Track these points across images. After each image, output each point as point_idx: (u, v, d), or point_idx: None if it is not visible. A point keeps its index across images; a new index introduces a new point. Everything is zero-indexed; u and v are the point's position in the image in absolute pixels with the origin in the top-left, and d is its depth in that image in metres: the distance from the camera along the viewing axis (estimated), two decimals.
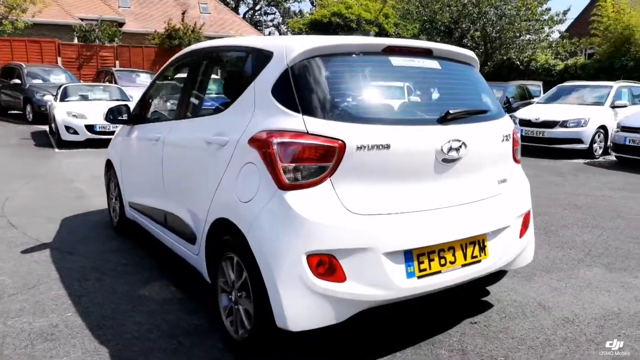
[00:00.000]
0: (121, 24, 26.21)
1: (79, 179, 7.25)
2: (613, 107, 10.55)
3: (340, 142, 2.13)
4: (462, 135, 2.43)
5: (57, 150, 10.09)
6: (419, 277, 2.31)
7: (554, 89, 12.36)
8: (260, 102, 2.39)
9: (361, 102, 2.36)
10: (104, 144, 11.13)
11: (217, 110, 2.89)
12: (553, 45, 24.24)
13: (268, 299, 2.16)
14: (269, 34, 35.33)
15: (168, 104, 4.10)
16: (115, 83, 15.65)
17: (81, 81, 17.08)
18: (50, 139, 11.46)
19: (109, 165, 4.69)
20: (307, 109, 2.21)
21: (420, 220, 2.32)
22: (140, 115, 4.02)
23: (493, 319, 2.94)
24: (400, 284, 2.25)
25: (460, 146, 2.40)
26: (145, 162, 3.66)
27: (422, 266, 2.32)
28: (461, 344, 2.63)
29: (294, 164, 2.13)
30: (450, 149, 2.37)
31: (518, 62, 23.20)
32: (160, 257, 3.94)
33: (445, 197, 2.43)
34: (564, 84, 12.68)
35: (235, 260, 2.43)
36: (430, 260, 2.35)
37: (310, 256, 2.10)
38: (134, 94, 12.58)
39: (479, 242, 2.53)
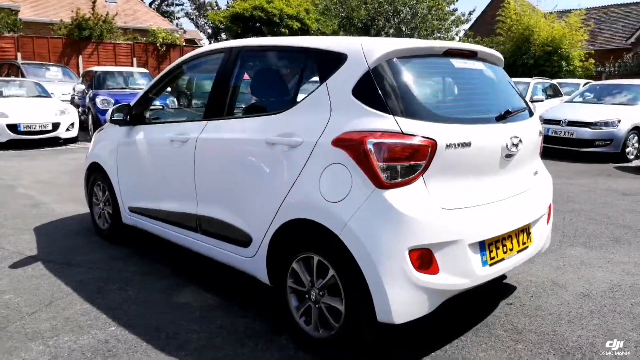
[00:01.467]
0: (15, 12, 23.84)
1: (21, 184, 6.64)
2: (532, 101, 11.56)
3: (432, 141, 2.25)
4: (518, 132, 2.65)
5: None
6: (490, 265, 2.50)
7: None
8: (339, 102, 2.43)
9: (442, 103, 2.50)
10: (29, 145, 10.31)
11: (271, 110, 2.85)
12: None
13: (366, 295, 2.23)
14: (178, 26, 33.99)
15: (187, 102, 3.93)
16: (22, 77, 14.30)
17: None
18: None
19: (92, 169, 4.39)
20: (397, 110, 2.29)
21: (490, 212, 2.51)
22: (142, 115, 3.82)
23: (523, 299, 3.22)
24: (478, 272, 2.43)
25: (519, 142, 2.62)
26: (162, 164, 3.50)
27: (492, 255, 2.51)
28: (511, 324, 2.87)
29: (390, 163, 2.21)
30: (512, 145, 2.58)
31: None
32: (172, 263, 3.80)
33: (504, 189, 2.64)
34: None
35: (315, 260, 2.46)
36: (497, 248, 2.55)
37: (411, 251, 2.20)
38: (49, 90, 11.66)
39: (526, 230, 2.78)
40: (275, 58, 3.11)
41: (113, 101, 11.11)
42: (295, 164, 2.51)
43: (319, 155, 2.41)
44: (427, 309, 2.30)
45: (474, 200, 2.45)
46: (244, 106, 3.21)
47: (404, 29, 25.85)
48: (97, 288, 3.34)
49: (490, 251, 2.51)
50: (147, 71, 13.51)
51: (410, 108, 2.32)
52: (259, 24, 23.22)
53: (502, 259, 2.58)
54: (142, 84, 12.76)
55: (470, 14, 26.64)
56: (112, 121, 3.90)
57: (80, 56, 20.16)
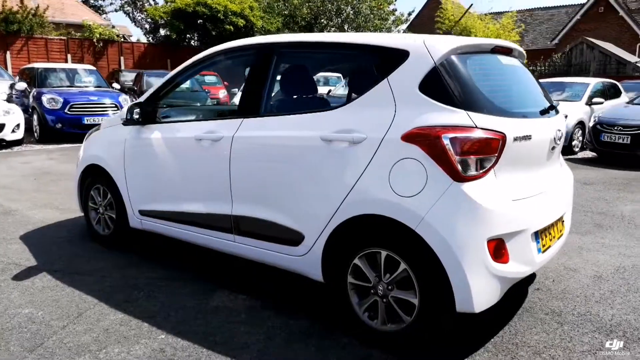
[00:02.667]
0: None
1: None
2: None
3: (502, 135, 2.34)
4: (558, 125, 2.81)
5: None
6: (542, 252, 2.63)
7: None
8: (404, 98, 2.45)
9: (503, 97, 2.58)
10: None
11: (322, 107, 2.82)
12: None
13: (445, 286, 2.28)
14: (106, 20, 32.24)
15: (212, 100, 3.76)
16: None
17: None
18: None
19: (88, 172, 4.13)
20: (467, 105, 2.36)
21: (542, 202, 2.64)
22: (153, 114, 3.65)
23: (547, 284, 3.41)
24: (536, 259, 2.55)
25: (562, 135, 2.77)
26: (185, 164, 3.36)
27: (543, 242, 2.65)
28: (548, 307, 3.04)
29: (466, 157, 2.27)
30: (558, 138, 2.73)
31: None
32: (189, 267, 3.67)
33: (548, 180, 2.79)
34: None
35: (383, 255, 2.47)
36: (545, 236, 2.69)
37: (489, 241, 2.28)
38: None
39: (562, 218, 2.95)
40: (322, 55, 3.07)
41: (62, 100, 10.48)
42: (359, 160, 2.51)
43: (386, 151, 2.43)
44: (498, 297, 2.39)
45: (531, 191, 2.57)
46: (286, 104, 3.15)
47: (346, 28, 26.22)
48: (123, 297, 3.16)
49: (542, 239, 2.64)
50: (93, 68, 12.78)
51: (478, 103, 2.40)
52: (201, 20, 22.67)
53: (550, 247, 2.73)
54: (89, 81, 12.11)
55: (409, 14, 27.49)
56: (129, 121, 3.67)
57: (8, 52, 18.73)
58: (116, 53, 21.45)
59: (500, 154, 2.35)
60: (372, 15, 25.62)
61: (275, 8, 26.74)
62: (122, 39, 23.05)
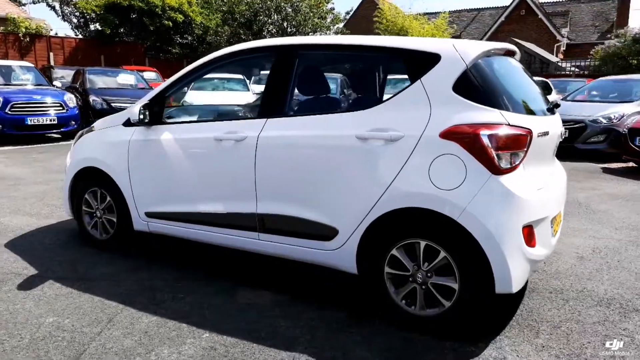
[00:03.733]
0: None
1: None
2: None
3: (529, 130, 2.59)
4: (560, 122, 3.12)
5: None
6: (553, 236, 2.93)
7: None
8: (438, 98, 2.64)
9: (523, 96, 2.83)
10: None
11: (352, 107, 2.94)
12: None
13: (485, 270, 2.50)
14: (23, 10, 30.13)
15: (228, 101, 3.72)
16: None
17: None
18: None
19: (80, 176, 3.99)
20: (498, 104, 2.59)
21: (553, 191, 2.93)
22: (159, 115, 3.60)
23: (562, 266, 3.74)
24: (552, 243, 2.84)
25: (565, 132, 3.09)
26: (202, 164, 3.36)
27: (554, 229, 2.95)
28: (550, 287, 3.37)
29: (501, 152, 2.50)
30: (563, 134, 3.03)
31: None
32: (200, 267, 3.68)
33: (553, 171, 3.10)
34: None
35: (422, 245, 2.65)
36: (554, 223, 2.99)
37: (524, 228, 2.52)
38: None
39: (561, 212, 3.27)
40: (349, 57, 3.18)
41: (1, 99, 9.79)
42: (397, 157, 2.67)
43: (425, 148, 2.61)
44: (527, 278, 2.65)
45: (545, 181, 2.85)
46: (313, 104, 3.23)
47: (286, 26, 26.26)
48: (146, 300, 3.13)
49: (552, 226, 2.94)
50: (31, 65, 12.02)
51: (506, 102, 2.63)
52: (136, 14, 21.86)
53: (557, 231, 3.03)
54: (27, 79, 11.39)
55: (347, 13, 27.99)
56: (131, 122, 3.59)
57: None
58: (44, 49, 20.19)
59: (528, 149, 2.60)
60: (311, 14, 25.83)
61: (213, 4, 26.30)
62: (53, 34, 21.71)
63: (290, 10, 25.83)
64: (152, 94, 3.65)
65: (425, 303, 2.72)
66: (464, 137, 2.53)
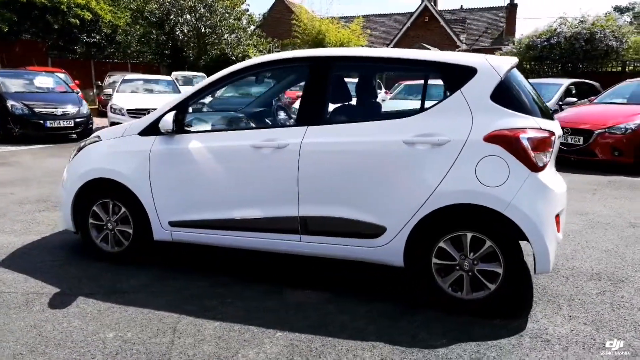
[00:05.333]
0: None
1: None
2: None
3: (554, 133, 3.04)
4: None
5: None
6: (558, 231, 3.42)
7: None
8: (478, 106, 3.00)
9: (540, 104, 3.27)
10: None
11: (393, 115, 3.20)
12: (256, 43, 26.98)
13: (524, 256, 2.90)
14: None
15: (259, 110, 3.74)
16: None
17: None
18: None
19: (87, 189, 3.85)
20: (529, 110, 3.02)
21: (564, 187, 3.41)
22: (182, 124, 3.61)
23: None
24: (560, 233, 3.33)
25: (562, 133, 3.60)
26: (238, 171, 3.44)
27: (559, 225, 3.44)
28: (562, 266, 3.86)
29: (537, 152, 2.92)
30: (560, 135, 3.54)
31: (234, 58, 25.11)
32: (228, 271, 3.75)
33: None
34: None
35: (468, 236, 3.00)
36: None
37: (555, 216, 2.97)
38: None
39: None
40: (390, 69, 3.42)
41: None
42: (444, 159, 2.99)
43: (471, 150, 2.96)
44: None
45: (558, 178, 3.33)
46: (354, 112, 3.43)
47: (200, 27, 25.73)
48: (197, 307, 3.16)
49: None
50: None
51: (533, 108, 3.07)
52: (37, 11, 20.21)
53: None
54: None
55: (262, 16, 28.08)
56: (148, 131, 3.55)
57: None
58: None
59: (552, 149, 3.05)
60: (227, 14, 25.57)
61: (121, 1, 25.06)
62: None
63: (204, 10, 25.35)
64: (175, 102, 3.64)
65: (471, 288, 3.06)
66: (506, 140, 2.92)
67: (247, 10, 27.58)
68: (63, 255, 4.06)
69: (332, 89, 3.43)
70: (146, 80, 14.08)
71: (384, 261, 3.25)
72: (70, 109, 11.36)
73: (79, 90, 15.39)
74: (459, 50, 30.19)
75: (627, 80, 10.87)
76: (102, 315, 3.05)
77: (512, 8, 32.93)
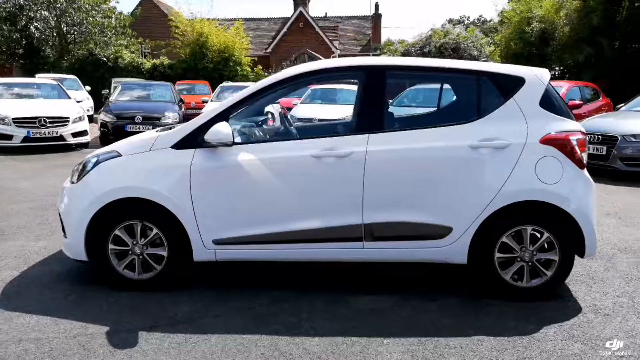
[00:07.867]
0: None
1: None
2: None
3: (586, 134, 3.50)
4: None
5: None
6: None
7: None
8: (530, 112, 3.34)
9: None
10: None
11: (453, 121, 3.39)
12: (127, 44, 25.27)
13: (578, 242, 3.31)
14: None
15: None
16: None
17: None
18: None
19: (107, 211, 3.40)
20: (569, 115, 3.44)
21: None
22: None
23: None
24: None
25: None
26: (299, 183, 3.35)
27: None
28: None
29: (582, 152, 3.35)
30: None
31: (105, 59, 23.17)
32: (266, 285, 3.62)
33: None
34: None
35: (529, 230, 3.32)
36: None
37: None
38: None
39: None
40: (444, 78, 3.55)
41: None
42: (506, 161, 3.28)
43: (530, 152, 3.28)
44: None
45: None
46: (414, 119, 3.50)
47: (62, 24, 23.28)
48: (280, 325, 3.02)
49: None
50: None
51: (570, 113, 3.49)
52: None
53: None
54: None
55: (133, 16, 26.39)
56: (183, 144, 3.27)
57: None
58: None
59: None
60: (94, 12, 23.46)
61: None
62: None
63: (66, 5, 22.92)
64: (217, 111, 3.40)
65: (530, 276, 3.38)
66: (560, 142, 3.29)
67: (116, 8, 25.60)
68: (77, 289, 3.53)
69: (414, 98, 3.52)
70: (25, 85, 12.39)
71: (448, 260, 3.43)
72: None
73: None
74: (333, 57, 31.54)
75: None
76: (186, 348, 2.75)
77: (377, 17, 35.34)
